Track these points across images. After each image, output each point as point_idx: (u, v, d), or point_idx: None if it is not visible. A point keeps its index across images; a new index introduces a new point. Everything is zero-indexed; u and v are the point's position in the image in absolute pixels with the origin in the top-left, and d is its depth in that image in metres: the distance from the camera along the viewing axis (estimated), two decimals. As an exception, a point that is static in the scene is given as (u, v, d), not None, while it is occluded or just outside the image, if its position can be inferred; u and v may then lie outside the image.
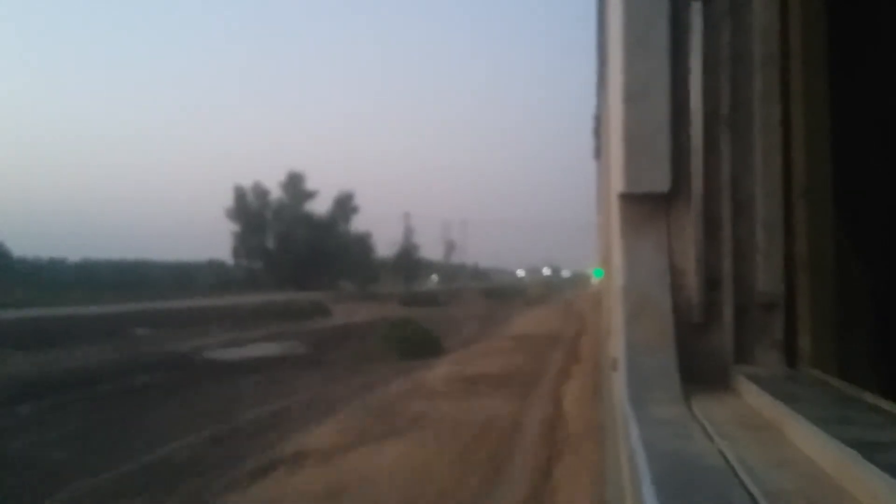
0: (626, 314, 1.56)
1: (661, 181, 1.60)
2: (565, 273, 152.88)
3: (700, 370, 1.57)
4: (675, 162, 1.60)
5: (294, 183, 65.05)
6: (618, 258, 1.67)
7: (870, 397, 1.29)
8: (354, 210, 67.69)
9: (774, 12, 1.65)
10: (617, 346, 1.66)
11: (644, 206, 1.64)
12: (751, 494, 0.95)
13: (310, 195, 65.15)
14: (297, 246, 60.30)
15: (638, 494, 1.04)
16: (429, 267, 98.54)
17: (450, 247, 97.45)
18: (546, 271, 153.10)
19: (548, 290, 66.35)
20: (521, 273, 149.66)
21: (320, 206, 65.88)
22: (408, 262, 74.14)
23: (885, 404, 1.23)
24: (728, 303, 1.62)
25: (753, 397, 1.40)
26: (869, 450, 0.93)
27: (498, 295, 60.13)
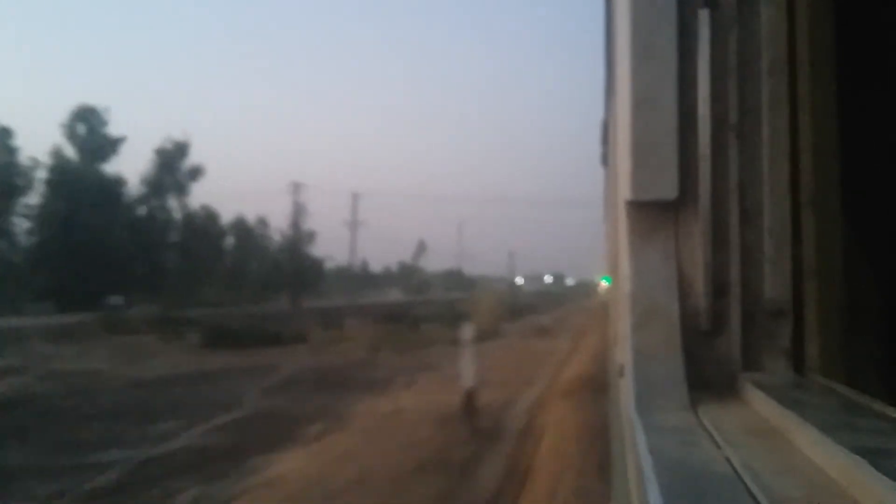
0: (634, 321, 1.56)
1: (668, 188, 1.60)
2: (569, 281, 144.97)
3: (707, 377, 1.57)
4: (682, 169, 1.60)
5: (86, 125, 35.75)
6: (625, 265, 1.68)
7: (877, 405, 1.28)
8: (195, 174, 39.02)
9: (782, 19, 1.65)
10: (624, 353, 1.67)
11: (652, 214, 1.64)
12: (758, 501, 0.95)
13: (111, 144, 35.92)
14: (67, 232, 32.80)
15: (645, 501, 1.04)
16: (410, 272, 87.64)
17: (420, 249, 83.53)
18: (548, 279, 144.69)
19: (504, 310, 40.97)
20: (520, 281, 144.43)
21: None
22: (295, 262, 45.82)
23: (892, 412, 1.23)
24: (735, 310, 1.62)
25: (760, 404, 1.40)
26: (876, 457, 0.93)
27: (426, 318, 34.95)
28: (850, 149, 1.74)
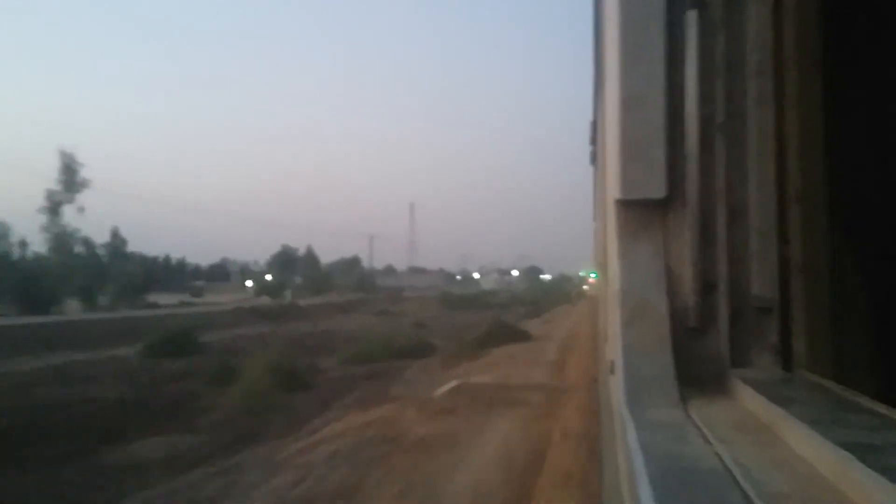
0: (624, 318, 1.57)
1: (657, 187, 1.61)
2: (546, 277, 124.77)
3: (696, 374, 1.58)
4: (670, 168, 1.61)
5: None
6: (615, 263, 1.69)
7: (865, 400, 1.30)
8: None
9: (768, 20, 1.67)
10: (614, 350, 1.68)
11: (640, 212, 1.66)
12: (747, 497, 0.96)
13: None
14: None
15: (635, 497, 1.05)
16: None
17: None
18: (514, 273, 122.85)
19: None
20: (477, 276, 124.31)
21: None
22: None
23: (880, 407, 1.24)
24: (724, 307, 1.63)
25: (749, 400, 1.41)
26: (864, 452, 0.94)
27: None
28: (836, 148, 1.76)
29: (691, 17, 1.65)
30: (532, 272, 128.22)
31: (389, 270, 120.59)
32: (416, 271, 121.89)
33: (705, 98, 1.65)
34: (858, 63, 1.95)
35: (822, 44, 1.77)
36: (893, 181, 1.96)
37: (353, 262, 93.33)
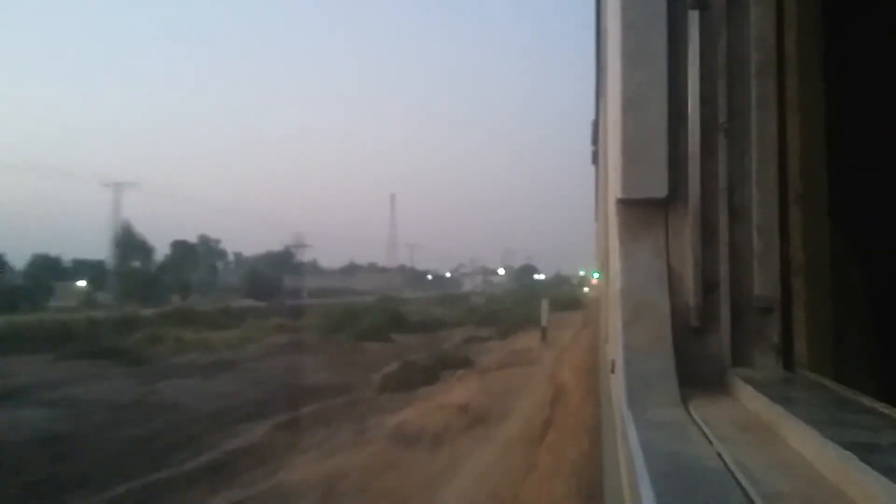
0: (625, 318, 1.57)
1: (658, 187, 1.61)
2: (539, 276, 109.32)
3: (697, 373, 1.58)
4: (672, 168, 1.62)
5: None
6: (616, 263, 1.69)
7: (866, 400, 1.30)
8: None
9: (770, 21, 1.67)
10: (615, 350, 1.68)
11: (642, 212, 1.66)
12: (748, 496, 0.96)
13: None
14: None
15: (636, 496, 1.05)
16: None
17: None
18: (501, 272, 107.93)
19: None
20: (448, 275, 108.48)
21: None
22: None
23: (881, 407, 1.24)
24: (725, 307, 1.63)
25: (750, 400, 1.41)
26: (865, 452, 0.94)
27: None
28: (837, 148, 1.76)
29: (693, 17, 1.65)
30: (524, 272, 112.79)
31: (351, 269, 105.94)
32: (374, 270, 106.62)
33: (707, 98, 1.65)
34: (860, 64, 1.95)
35: (823, 44, 1.77)
36: (894, 182, 1.96)
37: (284, 257, 77.34)
